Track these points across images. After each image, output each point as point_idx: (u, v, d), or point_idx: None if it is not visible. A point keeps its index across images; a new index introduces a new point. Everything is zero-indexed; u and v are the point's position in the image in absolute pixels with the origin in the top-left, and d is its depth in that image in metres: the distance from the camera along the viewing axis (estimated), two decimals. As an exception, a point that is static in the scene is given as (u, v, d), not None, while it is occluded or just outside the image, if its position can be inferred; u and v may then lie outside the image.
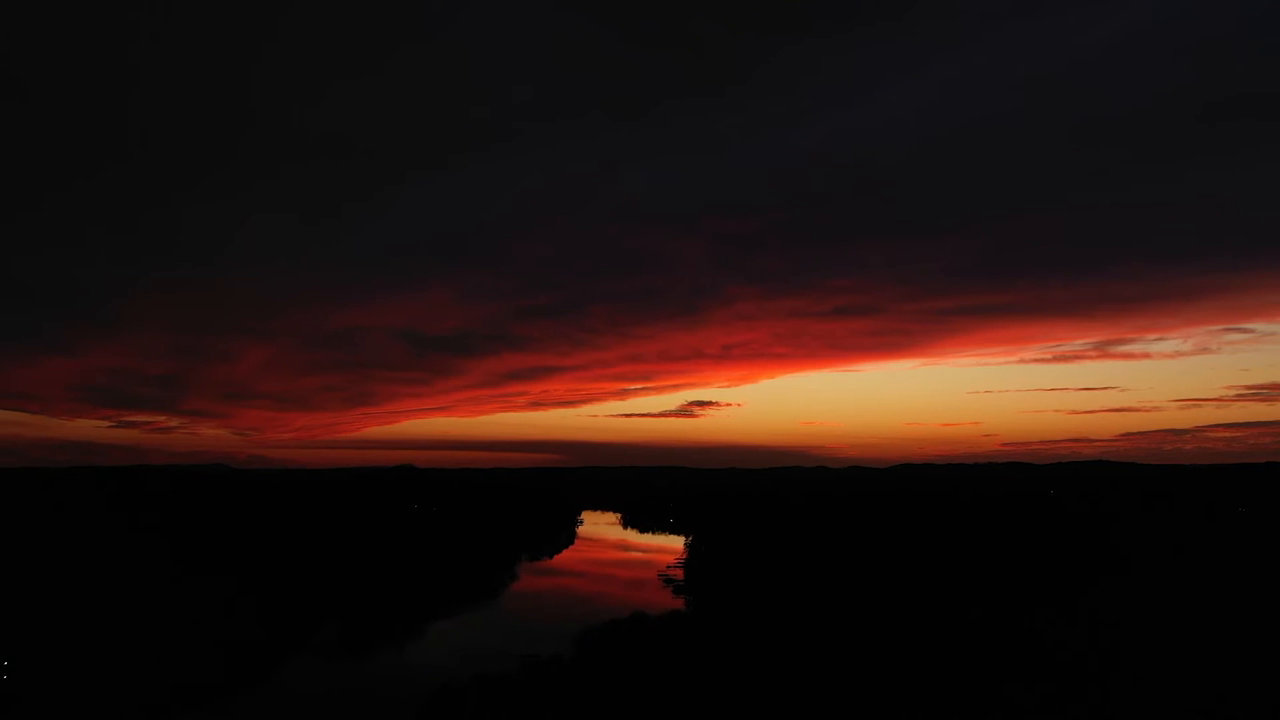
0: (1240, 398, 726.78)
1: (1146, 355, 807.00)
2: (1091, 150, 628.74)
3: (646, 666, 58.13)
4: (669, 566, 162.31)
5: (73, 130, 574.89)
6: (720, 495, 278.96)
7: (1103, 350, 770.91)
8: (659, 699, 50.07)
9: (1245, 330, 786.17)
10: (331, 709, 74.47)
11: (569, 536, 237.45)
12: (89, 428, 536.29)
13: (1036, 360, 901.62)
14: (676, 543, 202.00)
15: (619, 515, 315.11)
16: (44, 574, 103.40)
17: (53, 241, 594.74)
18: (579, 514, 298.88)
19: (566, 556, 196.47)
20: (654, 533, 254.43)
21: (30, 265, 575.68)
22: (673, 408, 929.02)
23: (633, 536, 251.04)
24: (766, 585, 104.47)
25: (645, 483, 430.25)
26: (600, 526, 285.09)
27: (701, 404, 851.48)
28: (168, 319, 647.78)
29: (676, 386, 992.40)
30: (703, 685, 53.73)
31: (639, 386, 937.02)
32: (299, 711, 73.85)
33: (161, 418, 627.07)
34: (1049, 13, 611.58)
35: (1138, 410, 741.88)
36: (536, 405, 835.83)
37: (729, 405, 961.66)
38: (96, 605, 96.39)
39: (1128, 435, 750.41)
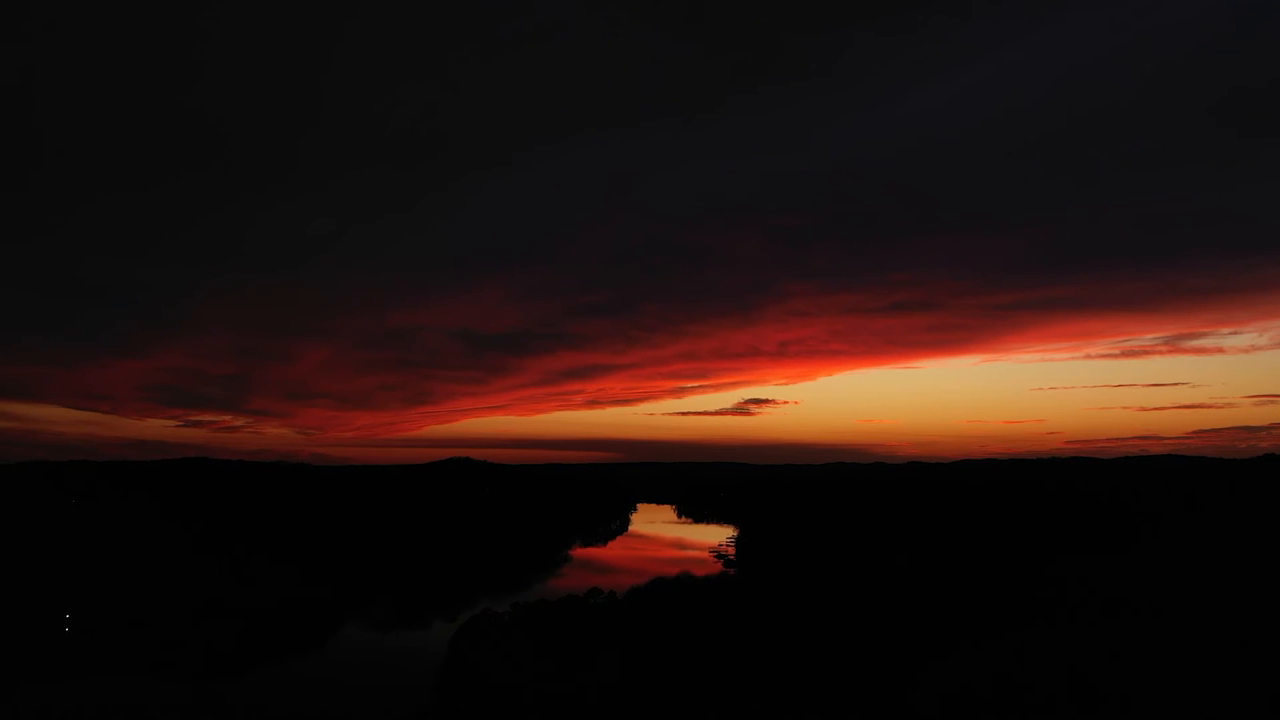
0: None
1: (1219, 350, 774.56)
2: (1158, 139, 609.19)
3: (689, 606, 58.57)
4: (720, 544, 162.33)
5: (141, 135, 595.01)
6: (774, 486, 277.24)
7: (1173, 345, 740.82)
8: (696, 626, 50.47)
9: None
10: (380, 653, 76.55)
11: (623, 524, 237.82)
12: (158, 427, 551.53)
13: (1104, 356, 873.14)
14: (729, 531, 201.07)
15: (674, 508, 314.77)
16: (134, 549, 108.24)
17: (122, 244, 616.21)
18: (634, 505, 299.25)
19: (620, 542, 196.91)
20: (708, 523, 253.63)
21: (101, 267, 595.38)
22: (729, 405, 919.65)
23: (687, 526, 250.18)
24: (811, 559, 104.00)
25: (702, 480, 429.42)
26: (656, 518, 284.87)
27: (758, 402, 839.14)
28: (231, 320, 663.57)
29: (733, 384, 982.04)
30: (737, 621, 54.02)
31: (695, 384, 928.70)
32: (352, 655, 76.17)
33: (227, 417, 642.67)
34: (1112, 2, 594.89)
35: (1210, 407, 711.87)
36: (593, 404, 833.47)
37: (786, 403, 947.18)
38: (191, 572, 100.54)
39: (1199, 433, 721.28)
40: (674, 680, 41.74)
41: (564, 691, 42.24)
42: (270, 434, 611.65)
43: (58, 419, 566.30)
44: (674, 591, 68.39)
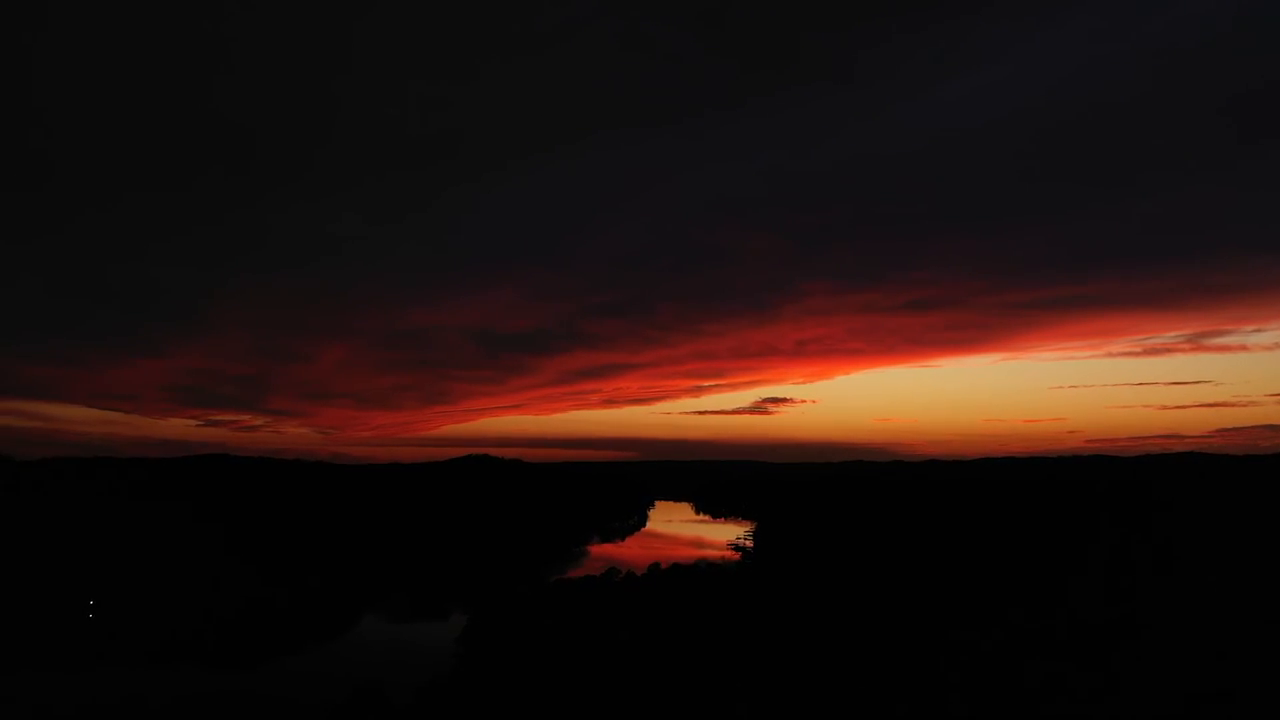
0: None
1: (1244, 348, 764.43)
2: (1178, 135, 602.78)
3: (707, 584, 58.48)
4: (738, 538, 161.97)
5: (160, 135, 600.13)
6: (793, 484, 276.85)
7: (1196, 343, 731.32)
8: (713, 601, 50.38)
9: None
10: (399, 635, 76.87)
11: (640, 521, 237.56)
12: (180, 427, 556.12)
13: (1125, 354, 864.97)
14: (748, 527, 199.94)
15: (691, 506, 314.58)
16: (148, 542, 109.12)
17: (142, 245, 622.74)
18: (652, 503, 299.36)
19: (637, 538, 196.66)
20: (726, 520, 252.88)
21: (121, 268, 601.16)
22: (746, 404, 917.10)
23: (705, 523, 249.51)
24: (830, 549, 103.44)
25: (719, 477, 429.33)
26: (674, 516, 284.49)
27: (775, 401, 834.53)
28: (250, 320, 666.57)
29: (750, 383, 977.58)
30: (754, 597, 53.86)
31: (712, 383, 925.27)
32: (370, 640, 76.60)
33: (246, 416, 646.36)
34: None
35: (1233, 405, 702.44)
36: (610, 403, 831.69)
37: (803, 402, 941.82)
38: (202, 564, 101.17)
39: (1222, 431, 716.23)
40: (690, 646, 41.64)
41: (578, 656, 42.19)
42: (290, 433, 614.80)
43: (80, 419, 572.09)
44: (692, 572, 68.40)
